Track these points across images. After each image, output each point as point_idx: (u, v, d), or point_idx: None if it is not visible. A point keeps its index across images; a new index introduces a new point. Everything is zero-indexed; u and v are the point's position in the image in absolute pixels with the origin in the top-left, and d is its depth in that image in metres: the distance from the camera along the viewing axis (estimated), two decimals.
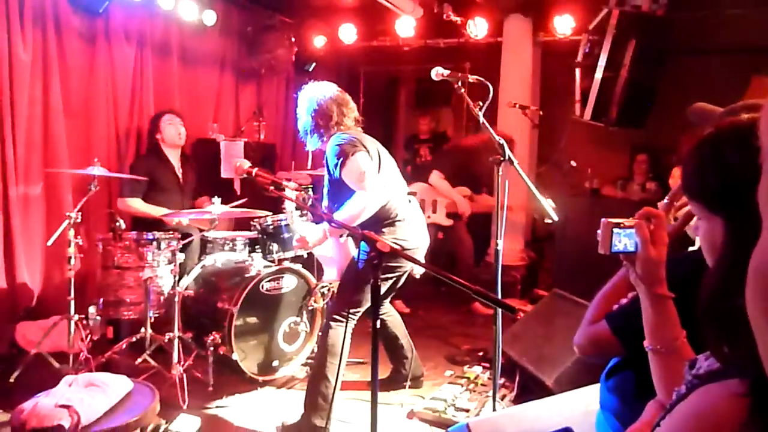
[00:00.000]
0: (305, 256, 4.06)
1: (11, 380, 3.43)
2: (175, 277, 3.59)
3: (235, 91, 6.21)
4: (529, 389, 3.46)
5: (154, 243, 3.68)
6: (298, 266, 3.84)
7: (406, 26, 6.10)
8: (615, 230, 1.24)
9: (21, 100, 4.12)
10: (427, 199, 5.49)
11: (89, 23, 4.61)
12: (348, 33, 6.54)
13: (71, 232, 3.44)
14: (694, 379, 0.93)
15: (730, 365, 0.86)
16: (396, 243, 2.98)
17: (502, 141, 2.84)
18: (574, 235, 5.15)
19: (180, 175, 4.54)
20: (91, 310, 3.68)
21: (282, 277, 3.77)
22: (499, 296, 2.67)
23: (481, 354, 4.20)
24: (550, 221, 3.27)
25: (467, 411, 3.23)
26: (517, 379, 3.56)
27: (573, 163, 5.61)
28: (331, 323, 3.04)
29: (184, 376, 3.31)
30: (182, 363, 3.40)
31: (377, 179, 2.97)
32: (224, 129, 5.71)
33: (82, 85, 4.62)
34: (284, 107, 6.84)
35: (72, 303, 3.47)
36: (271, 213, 3.91)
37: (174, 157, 4.54)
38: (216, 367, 3.52)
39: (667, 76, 5.37)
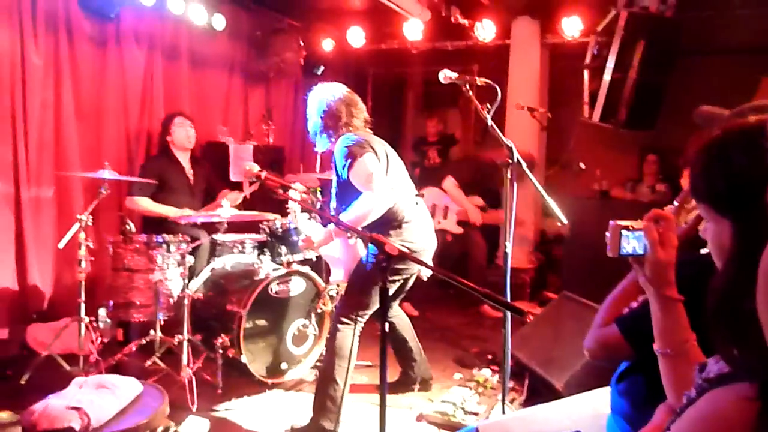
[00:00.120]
0: (314, 258, 4.08)
1: (22, 382, 3.46)
2: (184, 279, 3.61)
3: (244, 95, 6.24)
4: (539, 392, 3.44)
5: (164, 246, 3.70)
6: (306, 269, 3.85)
7: (413, 29, 6.11)
8: (624, 233, 1.23)
9: (33, 103, 4.16)
10: (439, 205, 5.49)
11: (101, 27, 4.66)
12: (356, 36, 6.55)
13: (82, 235, 3.47)
14: (704, 383, 0.92)
15: (740, 368, 0.86)
16: (403, 245, 2.97)
17: (510, 144, 2.84)
18: (583, 237, 5.12)
19: (190, 177, 4.57)
20: (101, 312, 3.70)
21: (291, 279, 3.78)
22: (508, 299, 2.67)
23: (490, 357, 4.19)
24: (559, 224, 3.25)
25: (476, 414, 3.23)
26: (527, 382, 3.55)
27: (582, 165, 5.58)
28: (339, 326, 3.04)
29: (193, 378, 3.32)
30: (191, 365, 3.41)
31: (384, 181, 2.97)
32: (233, 132, 5.74)
33: (93, 89, 4.66)
34: (293, 110, 6.87)
35: (82, 305, 3.49)
36: (279, 216, 3.92)
37: (184, 159, 4.57)
38: (225, 369, 3.53)
39: (676, 77, 5.34)
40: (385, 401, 1.89)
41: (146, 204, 4.32)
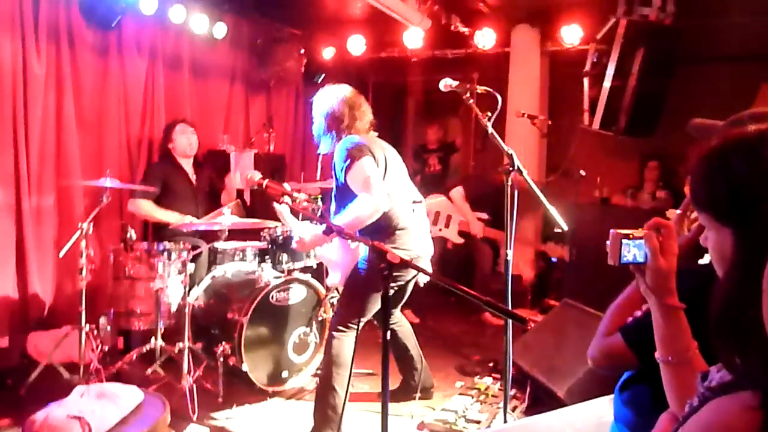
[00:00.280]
0: (315, 266, 4.08)
1: (22, 391, 3.45)
2: (185, 287, 3.61)
3: (245, 103, 6.26)
4: (541, 400, 3.44)
5: (165, 254, 3.70)
6: (307, 276, 3.85)
7: (414, 37, 6.13)
8: (624, 241, 1.23)
9: (35, 112, 4.17)
10: (442, 213, 5.50)
11: (102, 37, 4.67)
12: (357, 44, 6.58)
13: (83, 243, 3.47)
14: (707, 392, 0.92)
15: (743, 377, 0.86)
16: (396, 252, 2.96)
17: (510, 151, 2.85)
18: (583, 244, 5.13)
19: (194, 182, 4.57)
20: (102, 320, 3.71)
21: (291, 287, 3.78)
22: (509, 306, 2.67)
23: (491, 365, 4.19)
24: (559, 230, 3.26)
25: (478, 422, 3.22)
26: (528, 390, 3.54)
27: (582, 173, 5.59)
28: (335, 334, 3.04)
29: (194, 386, 3.31)
30: (192, 374, 3.40)
31: (381, 186, 2.95)
32: (234, 140, 5.75)
33: (94, 98, 4.67)
34: (294, 118, 6.89)
35: (83, 313, 3.48)
36: (280, 224, 3.92)
37: (187, 164, 4.58)
38: (226, 377, 3.52)
39: (676, 84, 5.36)
40: (387, 409, 1.88)
41: (148, 207, 4.32)
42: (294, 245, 3.46)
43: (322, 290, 3.87)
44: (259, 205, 4.82)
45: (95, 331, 3.57)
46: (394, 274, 3.04)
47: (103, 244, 4.41)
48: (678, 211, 1.50)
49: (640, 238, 1.23)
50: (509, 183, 2.84)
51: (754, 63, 5.46)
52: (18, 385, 3.49)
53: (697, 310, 1.05)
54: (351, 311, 3.05)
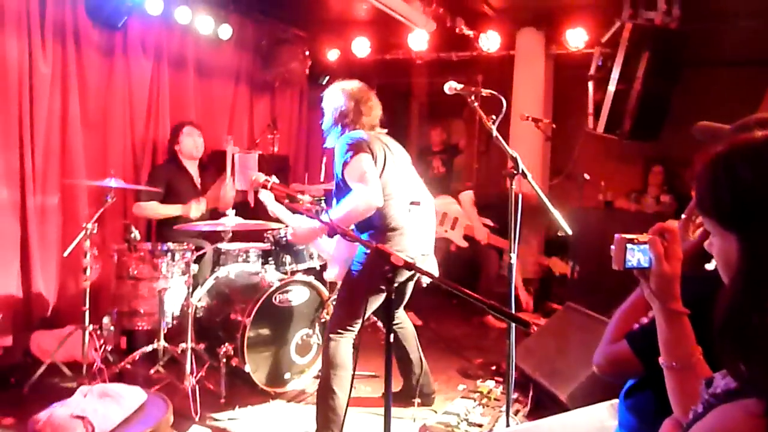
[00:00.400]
0: (318, 268, 4.08)
1: (25, 390, 3.46)
2: (188, 288, 3.61)
3: (250, 104, 6.27)
4: (543, 404, 3.43)
5: (169, 254, 3.71)
6: (310, 278, 3.85)
7: (419, 40, 6.13)
8: (629, 246, 1.23)
9: (40, 111, 4.18)
10: (449, 214, 5.49)
11: (108, 37, 4.69)
12: (361, 46, 6.59)
13: (87, 243, 3.48)
14: (711, 398, 0.92)
15: (747, 384, 0.85)
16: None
17: (515, 154, 2.85)
18: (587, 248, 5.12)
19: (198, 185, 4.58)
20: (106, 320, 3.71)
21: (295, 289, 3.78)
22: (513, 310, 2.66)
23: (494, 368, 4.18)
24: (563, 234, 3.25)
25: (480, 426, 3.22)
26: (531, 393, 3.53)
27: (586, 176, 5.59)
28: (332, 336, 3.03)
29: (197, 387, 3.32)
30: (195, 374, 3.41)
31: (376, 182, 2.91)
32: (239, 141, 5.76)
33: (99, 98, 4.69)
34: (298, 120, 6.90)
35: (87, 313, 3.49)
36: (284, 225, 3.91)
37: (192, 167, 4.58)
38: (228, 378, 3.53)
39: (681, 88, 5.35)
40: (390, 412, 1.88)
41: (153, 207, 4.33)
42: (288, 237, 3.41)
43: (325, 292, 3.87)
44: (262, 206, 4.82)
45: (98, 331, 3.58)
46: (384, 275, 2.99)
47: (106, 244, 4.41)
48: (682, 217, 1.49)
49: (645, 242, 1.23)
50: (513, 186, 2.84)
51: (759, 67, 5.45)
52: (21, 384, 3.50)
53: (704, 316, 1.05)
54: (347, 314, 3.04)
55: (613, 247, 1.25)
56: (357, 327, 3.05)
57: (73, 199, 4.46)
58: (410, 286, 3.32)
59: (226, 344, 3.48)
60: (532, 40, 6.28)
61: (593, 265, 4.95)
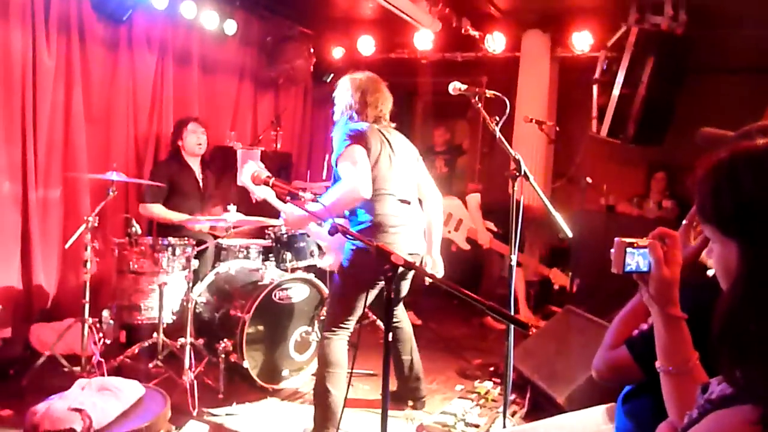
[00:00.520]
0: (318, 265, 4.08)
1: (24, 382, 3.47)
2: (189, 283, 3.62)
3: (254, 100, 6.28)
4: (540, 406, 3.43)
5: (169, 249, 3.71)
6: (310, 276, 3.85)
7: (424, 39, 6.13)
8: (628, 250, 1.23)
9: (43, 104, 4.19)
10: (454, 215, 5.49)
11: (113, 30, 4.69)
12: (366, 45, 6.59)
13: (88, 236, 3.48)
14: (707, 404, 0.92)
15: (743, 390, 0.85)
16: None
17: (517, 156, 2.85)
18: (588, 251, 5.12)
19: (201, 181, 4.59)
20: (105, 314, 3.72)
21: (295, 286, 3.78)
22: (512, 312, 2.66)
23: (492, 369, 4.18)
24: (564, 237, 3.25)
25: (477, 426, 3.22)
26: (528, 395, 3.53)
27: (589, 180, 5.58)
28: (326, 335, 3.03)
29: (195, 382, 3.32)
30: (193, 369, 3.41)
31: (365, 174, 2.89)
32: (242, 137, 5.77)
33: (103, 91, 4.69)
34: (301, 117, 6.90)
35: (87, 306, 3.50)
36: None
37: (195, 163, 4.59)
38: (227, 374, 3.53)
39: (686, 94, 5.34)
40: (387, 411, 1.88)
41: (159, 211, 4.34)
42: (281, 222, 3.37)
43: (324, 289, 3.87)
44: (264, 203, 4.82)
45: (98, 324, 3.58)
46: (374, 273, 2.95)
47: (107, 238, 4.42)
48: (683, 222, 1.49)
49: (645, 247, 1.23)
50: (515, 188, 2.84)
51: (764, 74, 5.44)
52: (20, 376, 3.51)
53: (703, 323, 1.05)
54: (338, 312, 3.03)
55: (612, 250, 1.25)
56: (350, 324, 3.04)
57: (74, 192, 4.47)
58: (405, 285, 3.29)
59: (225, 340, 3.48)
60: (537, 43, 6.27)
61: (593, 268, 4.95)
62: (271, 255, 4.03)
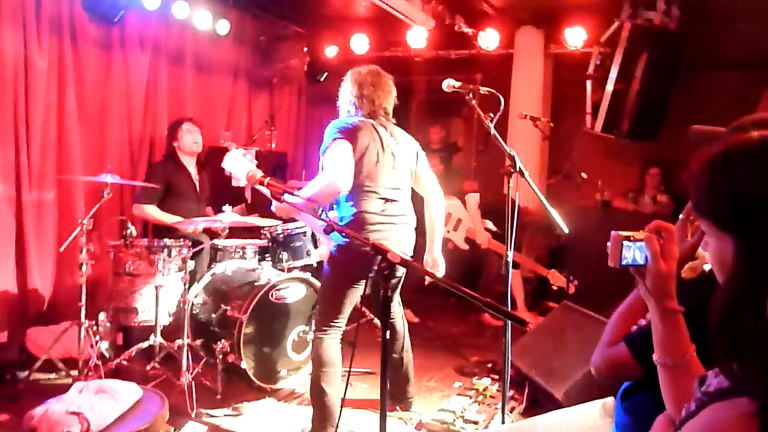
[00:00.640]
0: (314, 264, 4.08)
1: (21, 385, 3.45)
2: (185, 284, 3.61)
3: (248, 100, 6.27)
4: (539, 402, 3.44)
5: (165, 250, 3.70)
6: (307, 275, 3.85)
7: (417, 37, 6.13)
8: (625, 243, 1.23)
9: (36, 106, 4.17)
10: (453, 215, 5.49)
11: (105, 31, 4.68)
12: (360, 43, 6.58)
13: (83, 239, 3.47)
14: (704, 397, 0.92)
15: (740, 384, 0.86)
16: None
17: (512, 152, 2.84)
18: (584, 247, 5.12)
19: (196, 182, 4.57)
20: (102, 316, 3.71)
21: (291, 286, 3.78)
22: (509, 308, 2.67)
23: (490, 366, 4.18)
24: (560, 233, 3.25)
25: (476, 423, 3.21)
26: (526, 391, 3.54)
27: (584, 175, 5.60)
28: (318, 335, 3.03)
29: (193, 383, 3.32)
30: (191, 370, 3.41)
31: (346, 169, 2.87)
32: (236, 137, 5.76)
33: (96, 93, 4.67)
34: (296, 116, 6.89)
35: (83, 309, 3.49)
36: (281, 222, 3.92)
37: (190, 163, 4.57)
38: (224, 375, 3.53)
39: (679, 89, 5.35)
40: (386, 409, 1.88)
41: (153, 212, 4.33)
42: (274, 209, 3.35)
43: None
44: (260, 203, 4.82)
45: (94, 327, 3.57)
46: (357, 269, 2.96)
47: (103, 240, 4.41)
48: (680, 217, 1.49)
49: (641, 240, 1.23)
50: (510, 184, 2.84)
51: (757, 69, 5.46)
52: (17, 380, 3.50)
53: (701, 319, 1.05)
54: (327, 311, 3.03)
55: (609, 244, 1.25)
56: (341, 323, 3.02)
57: (69, 194, 4.45)
58: (395, 280, 3.19)
59: (223, 341, 3.48)
60: (531, 39, 6.28)
61: (589, 264, 4.96)
62: (267, 255, 4.03)
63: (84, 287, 3.50)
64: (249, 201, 4.75)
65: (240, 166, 2.54)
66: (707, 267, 1.58)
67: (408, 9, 5.46)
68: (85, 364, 3.44)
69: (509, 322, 2.67)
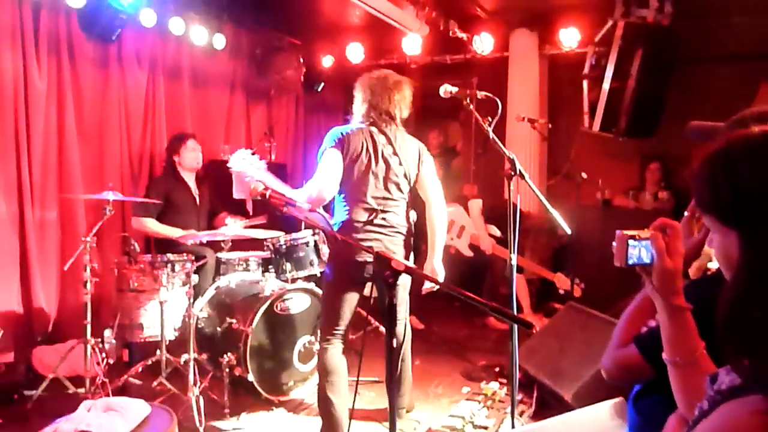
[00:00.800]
0: (318, 275, 4.07)
1: (29, 405, 3.44)
2: (189, 298, 3.60)
3: (246, 112, 6.28)
4: (548, 404, 3.43)
5: (169, 265, 3.70)
6: (311, 285, 3.84)
7: (412, 44, 6.14)
8: (630, 242, 1.23)
9: (36, 126, 4.19)
10: (456, 222, 5.49)
11: (102, 49, 4.70)
12: (355, 52, 6.60)
13: (87, 257, 3.47)
14: (716, 395, 0.92)
15: (751, 379, 0.85)
16: (360, 255, 2.87)
17: (512, 155, 2.85)
18: (586, 247, 5.12)
19: (196, 196, 4.58)
20: (107, 333, 3.70)
21: (295, 296, 3.77)
22: (515, 311, 2.66)
23: (497, 369, 4.17)
24: (562, 234, 3.25)
25: (486, 428, 3.21)
26: (535, 394, 3.53)
27: (584, 175, 5.60)
28: (321, 344, 3.04)
29: (200, 398, 3.30)
30: (198, 385, 3.40)
31: (329, 179, 2.92)
32: (236, 150, 5.75)
33: (95, 110, 4.69)
34: (294, 127, 6.91)
35: (88, 327, 3.48)
36: (283, 233, 3.92)
37: (190, 178, 4.58)
38: (231, 388, 3.52)
39: (676, 84, 5.36)
40: (395, 417, 1.88)
41: (151, 225, 4.33)
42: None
43: None
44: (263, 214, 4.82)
45: (100, 345, 3.57)
46: (357, 274, 2.95)
47: (106, 257, 4.41)
48: (685, 214, 1.48)
49: (647, 238, 1.23)
50: (511, 188, 2.84)
51: (752, 62, 5.47)
52: (24, 400, 3.49)
53: (711, 315, 1.04)
54: (327, 319, 3.03)
55: (614, 243, 1.25)
56: (341, 330, 3.01)
57: (71, 212, 4.46)
58: (400, 289, 3.13)
59: (229, 354, 3.47)
60: (525, 41, 6.29)
61: (593, 263, 4.96)
62: (270, 266, 4.02)
63: (89, 305, 3.49)
64: (251, 213, 4.74)
65: (246, 166, 2.55)
66: (712, 265, 1.58)
67: (402, 16, 5.48)
68: (92, 382, 3.43)
69: (516, 325, 2.67)
